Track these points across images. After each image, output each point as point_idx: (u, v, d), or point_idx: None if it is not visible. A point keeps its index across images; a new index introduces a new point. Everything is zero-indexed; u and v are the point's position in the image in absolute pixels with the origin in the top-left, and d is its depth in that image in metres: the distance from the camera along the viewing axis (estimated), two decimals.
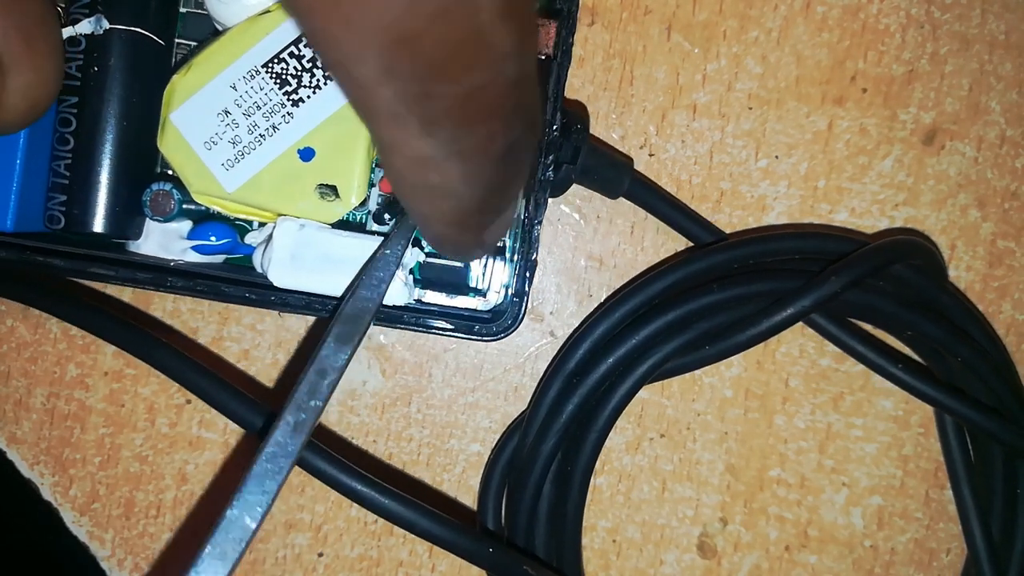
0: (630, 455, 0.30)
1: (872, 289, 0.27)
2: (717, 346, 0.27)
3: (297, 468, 0.24)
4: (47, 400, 0.30)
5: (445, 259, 0.27)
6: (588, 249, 0.30)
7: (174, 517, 0.30)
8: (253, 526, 0.21)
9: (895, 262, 0.27)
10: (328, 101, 0.24)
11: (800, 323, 0.30)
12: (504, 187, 0.19)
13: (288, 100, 0.24)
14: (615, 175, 0.28)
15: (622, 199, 0.29)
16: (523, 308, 0.26)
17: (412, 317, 0.26)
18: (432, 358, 0.30)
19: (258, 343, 0.30)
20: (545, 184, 0.25)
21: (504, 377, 0.30)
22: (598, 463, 0.30)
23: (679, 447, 0.30)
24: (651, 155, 0.30)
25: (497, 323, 0.26)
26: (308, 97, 0.24)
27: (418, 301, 0.26)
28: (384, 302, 0.25)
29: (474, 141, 0.16)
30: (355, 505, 0.30)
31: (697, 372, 0.30)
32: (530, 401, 0.28)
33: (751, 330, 0.26)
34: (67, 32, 0.24)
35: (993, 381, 0.28)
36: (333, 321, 0.22)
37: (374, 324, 0.26)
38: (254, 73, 0.24)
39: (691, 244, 0.30)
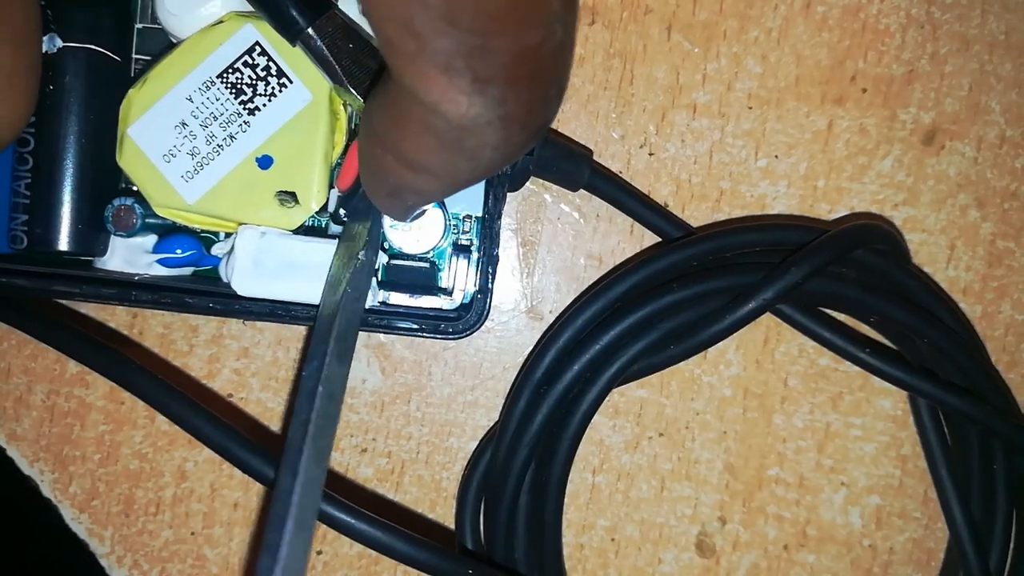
0: (629, 454, 0.30)
1: (835, 276, 0.27)
2: (682, 345, 0.27)
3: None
4: (47, 397, 0.30)
5: (410, 261, 0.27)
6: (588, 248, 0.30)
7: (173, 515, 0.30)
8: (306, 561, 0.21)
9: (856, 248, 0.27)
10: (283, 109, 0.25)
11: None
12: (515, 158, 0.19)
13: (244, 109, 0.24)
14: (574, 167, 0.28)
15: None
16: (487, 304, 0.26)
17: (377, 319, 0.26)
18: (432, 356, 0.31)
19: (258, 340, 0.30)
20: (504, 179, 0.25)
21: (503, 375, 0.30)
22: (597, 461, 0.30)
23: (678, 446, 0.30)
24: (651, 154, 0.30)
25: (463, 320, 0.26)
26: (264, 105, 0.24)
27: (383, 303, 0.26)
28: None
29: (519, 106, 0.17)
30: None
31: (696, 371, 0.30)
32: (500, 413, 0.28)
33: (715, 326, 0.26)
34: None
35: (963, 361, 0.27)
36: (331, 340, 0.22)
37: None
38: (209, 84, 0.24)
39: (659, 240, 0.30)
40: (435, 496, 0.31)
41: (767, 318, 0.30)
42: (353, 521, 0.24)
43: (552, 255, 0.30)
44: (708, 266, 0.27)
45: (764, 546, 0.31)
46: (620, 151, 0.30)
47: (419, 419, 0.31)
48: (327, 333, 0.22)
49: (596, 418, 0.30)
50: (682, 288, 0.27)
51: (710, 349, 0.30)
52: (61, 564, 0.34)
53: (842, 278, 0.27)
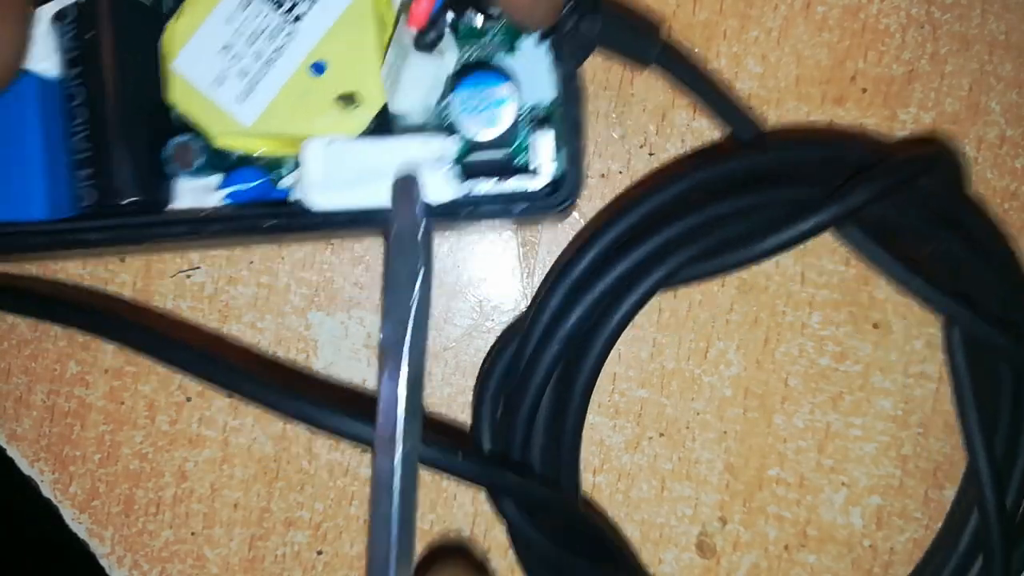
0: (629, 454, 0.30)
1: (898, 201, 0.26)
2: (739, 253, 0.26)
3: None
4: (47, 397, 0.30)
5: (488, 147, 0.25)
6: None
7: (173, 515, 0.30)
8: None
9: (924, 174, 0.26)
10: (328, 9, 0.24)
11: (800, 322, 0.30)
12: None
13: (287, 19, 0.24)
14: (642, 36, 0.26)
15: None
16: (581, 171, 0.25)
17: (467, 210, 0.24)
18: (432, 356, 0.31)
19: (258, 340, 0.30)
20: (572, 34, 0.24)
21: None
22: (597, 461, 0.30)
23: (678, 446, 0.30)
24: (651, 154, 0.30)
25: (559, 193, 0.25)
26: (307, 11, 0.24)
27: (467, 196, 0.25)
28: (432, 201, 0.24)
29: None
30: (355, 503, 0.30)
31: (696, 371, 0.30)
32: (530, 306, 0.27)
33: (774, 238, 0.25)
34: (53, 7, 0.24)
35: (1011, 300, 0.27)
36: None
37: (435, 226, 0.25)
38: (247, 1, 0.24)
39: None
40: (435, 496, 0.31)
41: (768, 319, 0.30)
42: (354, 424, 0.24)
43: (552, 255, 0.30)
44: (769, 177, 0.27)
45: (765, 546, 0.31)
46: (620, 151, 0.30)
47: None
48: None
49: (596, 418, 0.30)
50: (739, 196, 0.26)
51: (710, 349, 0.30)
52: (61, 564, 0.34)
53: (905, 203, 0.26)
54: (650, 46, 0.26)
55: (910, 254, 0.28)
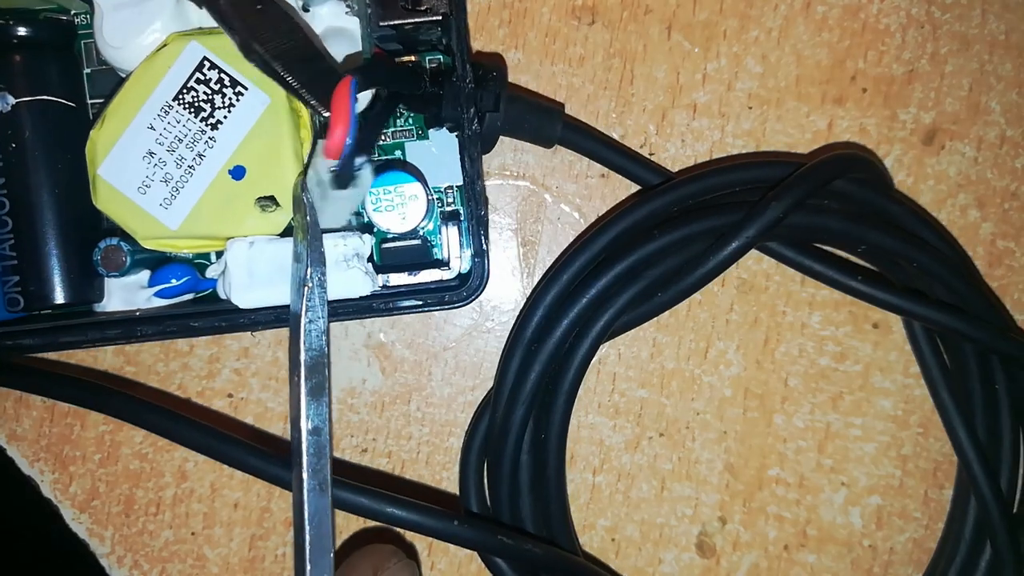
0: (629, 454, 0.30)
1: (817, 209, 0.27)
2: (669, 291, 0.27)
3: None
4: (47, 397, 0.30)
5: (402, 240, 0.27)
6: None
7: (173, 515, 0.30)
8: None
9: (834, 178, 0.27)
10: (244, 116, 0.25)
11: (800, 322, 0.30)
12: None
13: (206, 125, 0.24)
14: (545, 120, 0.28)
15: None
16: (486, 266, 0.26)
17: (381, 304, 0.26)
18: (432, 356, 0.31)
19: (258, 340, 0.30)
20: (474, 138, 0.25)
21: None
22: (597, 461, 0.30)
23: (678, 446, 0.30)
24: (651, 154, 0.30)
25: (466, 287, 0.26)
26: (225, 118, 0.24)
27: (384, 287, 0.26)
28: (349, 296, 0.25)
29: None
30: None
31: (696, 371, 0.30)
32: (495, 376, 0.28)
33: (700, 269, 0.26)
34: None
35: (953, 281, 0.27)
36: (300, 377, 0.22)
37: (351, 319, 0.26)
38: (167, 108, 0.24)
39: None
40: (435, 496, 0.31)
41: (768, 319, 0.30)
42: (357, 498, 0.24)
43: (552, 255, 0.30)
44: (689, 210, 0.27)
45: (764, 546, 0.31)
46: None
47: (419, 419, 0.31)
48: (297, 367, 0.23)
49: (596, 418, 0.30)
50: (664, 234, 0.27)
51: (710, 349, 0.30)
52: (61, 564, 0.34)
53: (825, 210, 0.27)
54: (553, 128, 0.28)
55: (846, 258, 0.29)
